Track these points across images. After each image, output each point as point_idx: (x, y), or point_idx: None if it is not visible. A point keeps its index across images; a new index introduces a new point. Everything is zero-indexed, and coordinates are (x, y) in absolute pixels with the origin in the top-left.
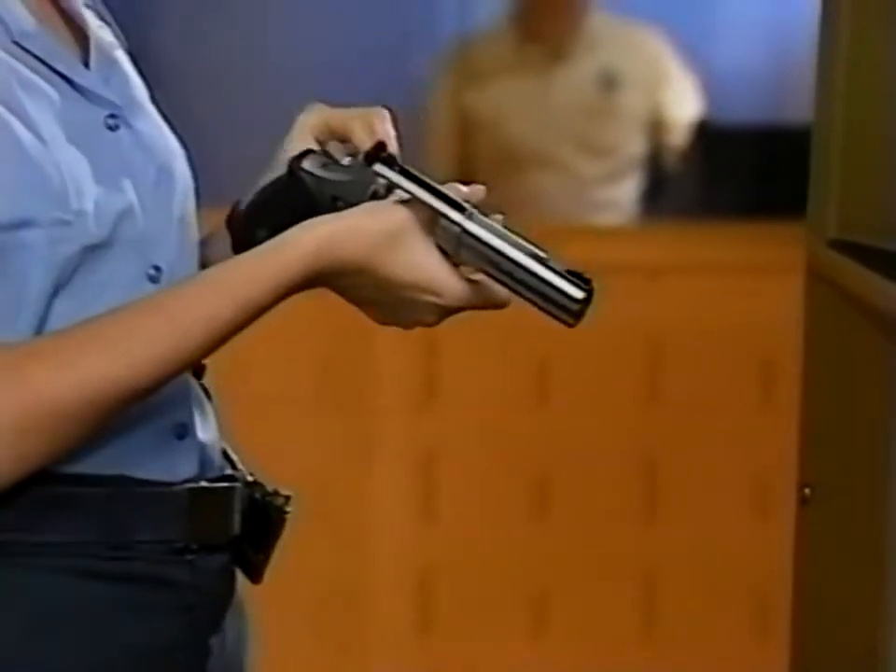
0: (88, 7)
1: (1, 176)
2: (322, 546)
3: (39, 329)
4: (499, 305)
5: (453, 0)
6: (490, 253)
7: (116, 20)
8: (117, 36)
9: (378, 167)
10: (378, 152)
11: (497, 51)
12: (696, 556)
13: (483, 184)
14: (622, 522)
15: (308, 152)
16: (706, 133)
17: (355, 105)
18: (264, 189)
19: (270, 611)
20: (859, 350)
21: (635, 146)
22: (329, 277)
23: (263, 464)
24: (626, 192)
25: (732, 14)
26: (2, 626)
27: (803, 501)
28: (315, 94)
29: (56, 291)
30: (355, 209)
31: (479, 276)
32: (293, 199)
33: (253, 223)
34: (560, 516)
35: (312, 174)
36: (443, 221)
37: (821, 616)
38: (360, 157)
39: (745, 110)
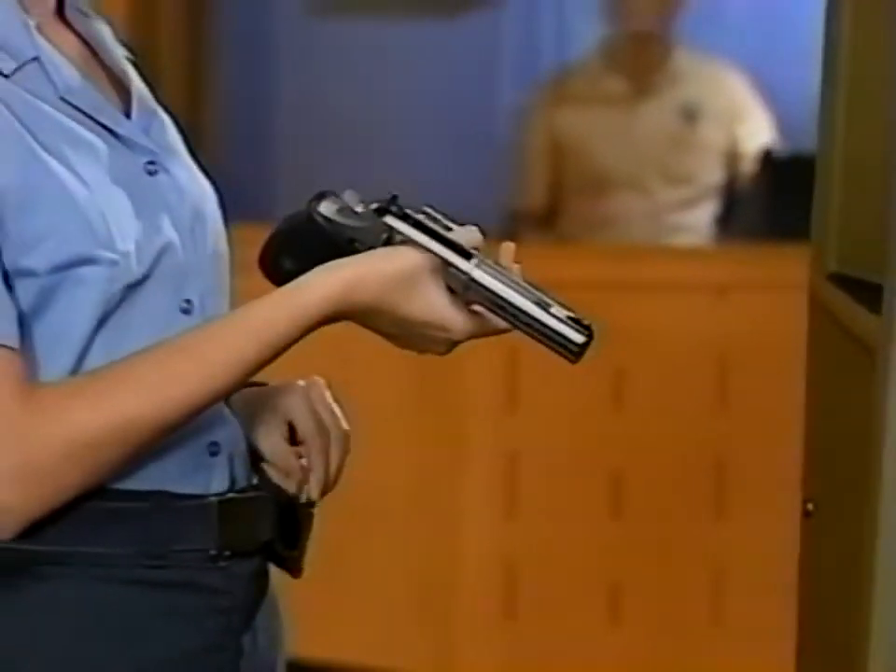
0: (129, 60)
1: (50, 222)
2: (417, 539)
3: (80, 362)
4: (504, 332)
5: (550, 34)
6: (496, 299)
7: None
8: (152, 90)
9: (388, 219)
10: (389, 205)
11: (589, 82)
12: (762, 551)
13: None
14: (691, 518)
15: (323, 195)
16: (776, 161)
17: (456, 130)
18: (287, 221)
19: (370, 598)
20: (852, 376)
21: (711, 174)
22: (349, 316)
23: (365, 464)
24: (702, 216)
25: (802, 49)
26: (49, 632)
27: (806, 514)
28: (418, 121)
29: (98, 327)
30: (372, 252)
31: (482, 309)
32: (313, 236)
33: (278, 252)
34: (633, 513)
35: (328, 218)
36: (452, 269)
37: (823, 617)
38: (372, 206)
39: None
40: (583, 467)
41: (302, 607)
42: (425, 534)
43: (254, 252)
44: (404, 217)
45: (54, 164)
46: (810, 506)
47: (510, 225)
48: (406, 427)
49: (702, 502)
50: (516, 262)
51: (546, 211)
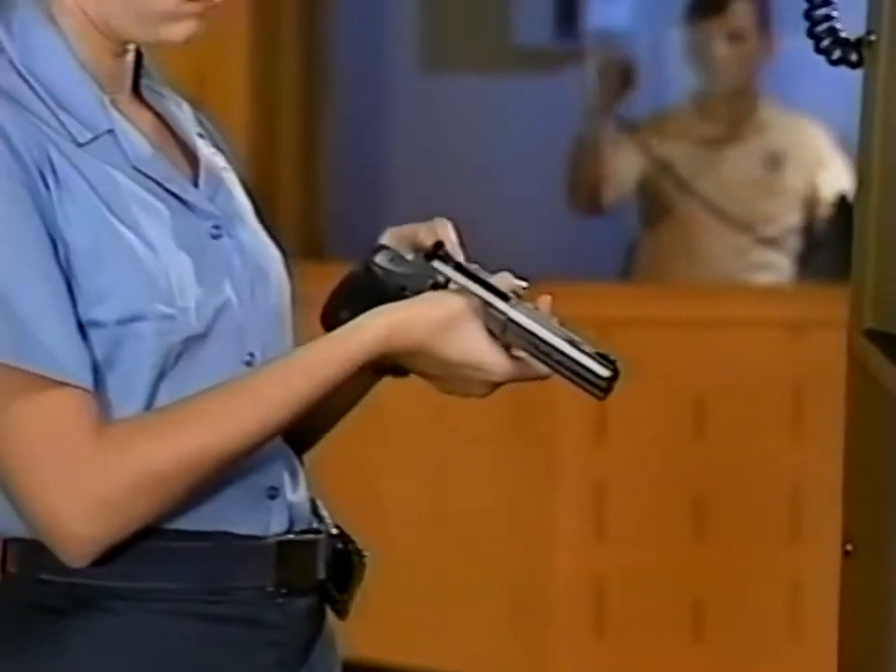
0: (201, 136)
1: (116, 278)
2: (512, 559)
3: (147, 409)
4: (541, 378)
5: (646, 84)
6: (530, 337)
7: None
8: (230, 161)
9: (436, 263)
10: (436, 250)
11: (681, 127)
12: (836, 572)
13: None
14: (769, 541)
15: (380, 248)
16: (852, 207)
17: (554, 176)
18: (346, 278)
19: (468, 614)
20: (886, 428)
21: (792, 217)
22: (395, 357)
23: (463, 490)
24: (781, 256)
25: None
26: (113, 664)
27: (846, 555)
28: (519, 167)
29: (162, 376)
30: (417, 298)
31: (522, 354)
32: (368, 287)
33: (337, 305)
34: (714, 536)
35: (382, 267)
36: (491, 310)
37: (864, 653)
38: (421, 254)
39: None
40: (667, 492)
41: (406, 620)
42: (519, 555)
43: None
44: (449, 262)
45: (123, 227)
46: (849, 547)
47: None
48: (501, 455)
49: (778, 526)
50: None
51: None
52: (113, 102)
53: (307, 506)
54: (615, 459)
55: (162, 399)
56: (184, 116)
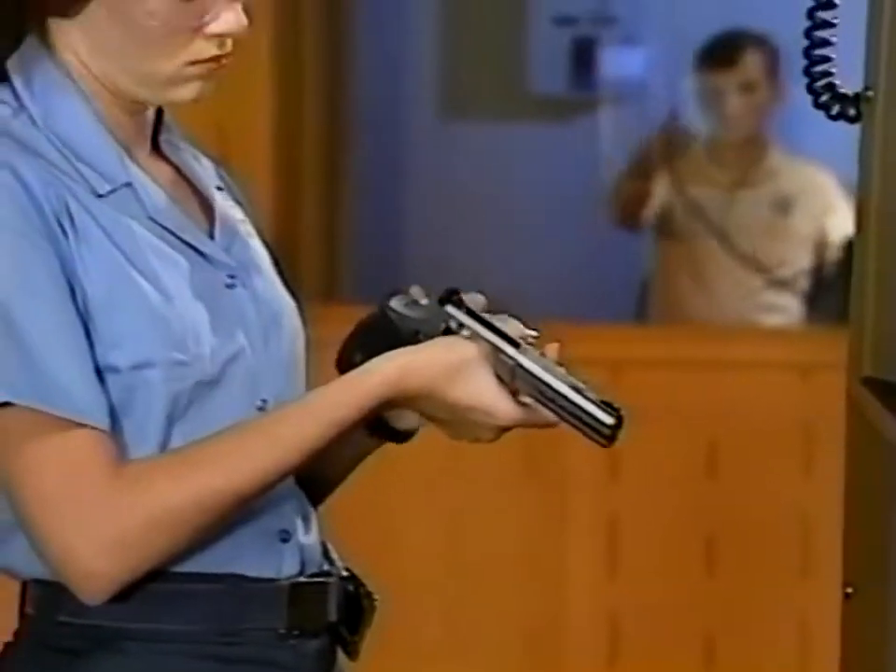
0: (220, 189)
1: (131, 325)
2: (527, 593)
3: (161, 452)
4: (549, 425)
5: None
6: (537, 382)
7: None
8: (248, 214)
9: (449, 308)
10: (450, 295)
11: (692, 172)
12: None
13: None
14: (779, 578)
15: (395, 292)
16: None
17: (567, 211)
18: (361, 321)
19: (485, 650)
20: (884, 474)
21: (801, 261)
22: (405, 401)
23: (478, 530)
24: (790, 298)
25: None
26: None
27: (846, 597)
28: (536, 210)
29: (174, 420)
30: (429, 343)
31: (529, 400)
32: (382, 331)
33: (352, 349)
34: (725, 571)
35: (397, 311)
36: (501, 355)
37: None
38: (435, 299)
39: None
40: (680, 530)
41: (421, 657)
42: (534, 589)
43: None
44: (461, 307)
45: (138, 276)
46: (850, 589)
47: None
48: (514, 495)
49: (788, 563)
50: (556, 342)
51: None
52: (132, 156)
53: (319, 549)
54: (628, 498)
55: (176, 442)
56: (203, 169)
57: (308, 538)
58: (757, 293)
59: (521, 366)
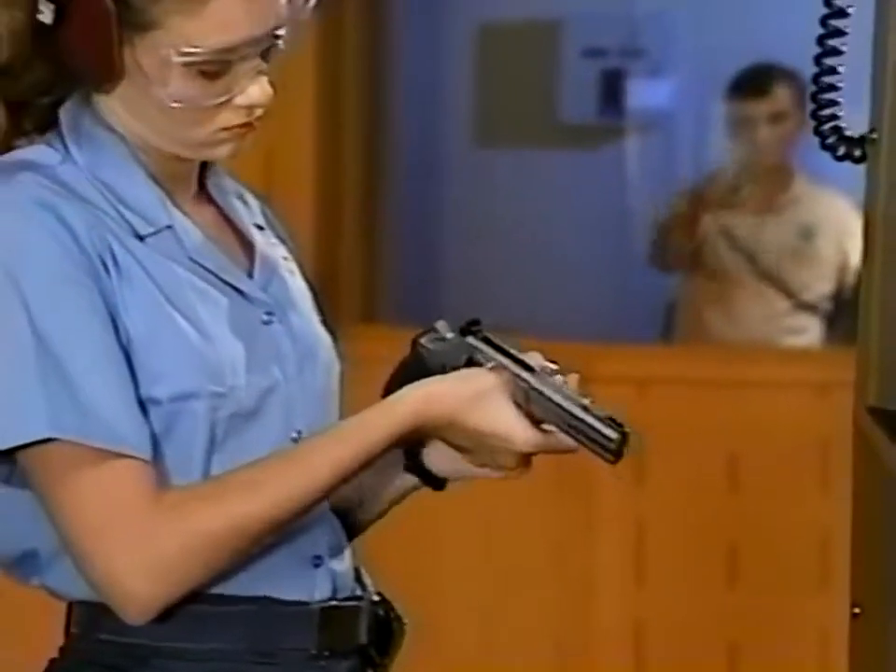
0: (261, 228)
1: (171, 361)
2: (555, 600)
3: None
4: (569, 450)
5: (686, 157)
6: (549, 404)
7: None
8: (290, 251)
9: (469, 339)
10: (470, 327)
11: (720, 200)
12: None
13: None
14: (799, 587)
15: (428, 331)
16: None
17: (595, 235)
18: (400, 362)
19: (515, 657)
20: (890, 502)
21: (825, 285)
22: (430, 429)
23: (509, 539)
24: (812, 320)
25: None
26: None
27: (854, 617)
28: (566, 229)
29: (213, 449)
30: (451, 374)
31: (550, 427)
32: (415, 367)
33: (391, 386)
34: (747, 581)
35: (426, 347)
36: (518, 380)
37: None
38: (458, 332)
39: None
40: (703, 541)
41: (458, 660)
42: (562, 595)
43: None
44: (479, 337)
45: (178, 315)
46: (857, 609)
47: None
48: (545, 507)
49: (807, 574)
50: (575, 372)
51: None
52: (175, 200)
53: (351, 574)
54: (653, 510)
55: (215, 471)
56: (246, 209)
57: (341, 564)
58: (782, 316)
59: (534, 388)
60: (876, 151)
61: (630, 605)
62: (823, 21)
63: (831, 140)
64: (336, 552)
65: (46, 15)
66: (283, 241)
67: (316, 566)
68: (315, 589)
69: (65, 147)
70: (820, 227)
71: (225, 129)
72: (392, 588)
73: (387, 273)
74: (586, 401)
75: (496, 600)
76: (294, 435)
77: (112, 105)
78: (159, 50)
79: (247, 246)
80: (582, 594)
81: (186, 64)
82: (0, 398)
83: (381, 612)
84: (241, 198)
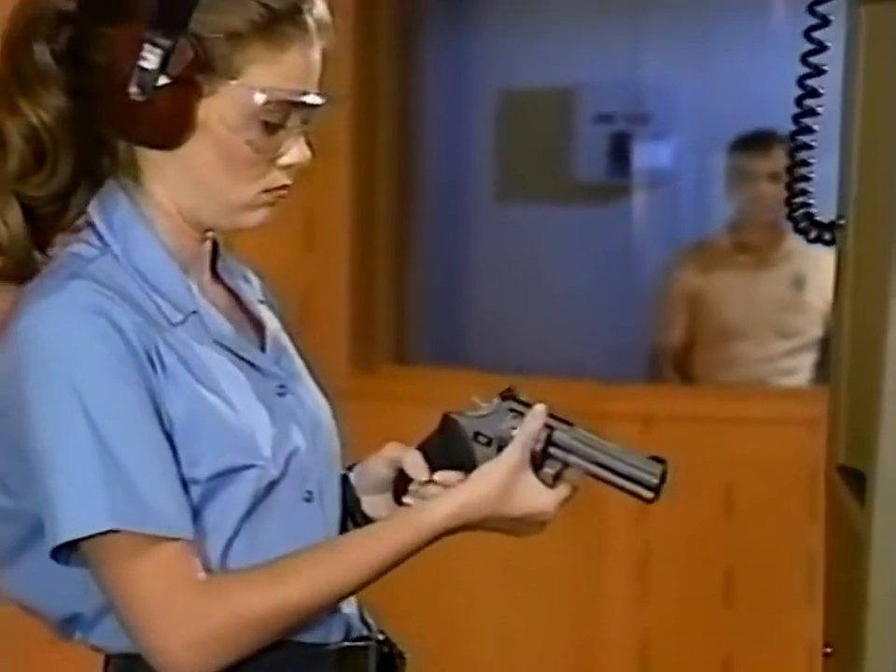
0: (262, 301)
1: (210, 442)
2: (564, 617)
3: (228, 547)
4: (574, 490)
5: (689, 213)
6: (593, 452)
7: None
8: (281, 321)
9: (504, 403)
10: (510, 393)
11: (719, 253)
12: None
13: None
14: (788, 606)
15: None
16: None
17: (605, 284)
18: (430, 435)
19: (532, 666)
20: (855, 556)
21: (815, 330)
22: (468, 527)
23: (524, 558)
24: (804, 362)
25: None
26: None
27: (826, 656)
28: (584, 283)
29: (247, 515)
30: (474, 478)
31: (570, 477)
32: (448, 437)
33: (424, 447)
34: (742, 600)
35: (459, 416)
36: (555, 432)
37: None
38: (497, 399)
39: None
40: (702, 563)
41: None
42: (570, 613)
43: (448, 390)
44: (511, 400)
45: (210, 395)
46: (829, 650)
47: (651, 367)
48: (557, 533)
49: (796, 594)
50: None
51: (680, 355)
52: (196, 284)
53: (357, 615)
54: (657, 535)
55: (240, 539)
56: (250, 287)
57: (350, 607)
58: (777, 359)
59: (577, 438)
60: (844, 235)
61: (636, 621)
62: (796, 119)
63: (803, 225)
64: (349, 598)
65: (150, 62)
66: (275, 313)
67: (333, 611)
68: (331, 633)
69: (101, 238)
70: (811, 278)
71: (267, 190)
72: (412, 614)
73: (417, 318)
74: (619, 450)
75: (510, 618)
76: (306, 496)
77: (165, 171)
78: (239, 96)
79: (255, 323)
80: (592, 611)
81: (264, 104)
82: (66, 492)
83: (385, 650)
84: (244, 277)
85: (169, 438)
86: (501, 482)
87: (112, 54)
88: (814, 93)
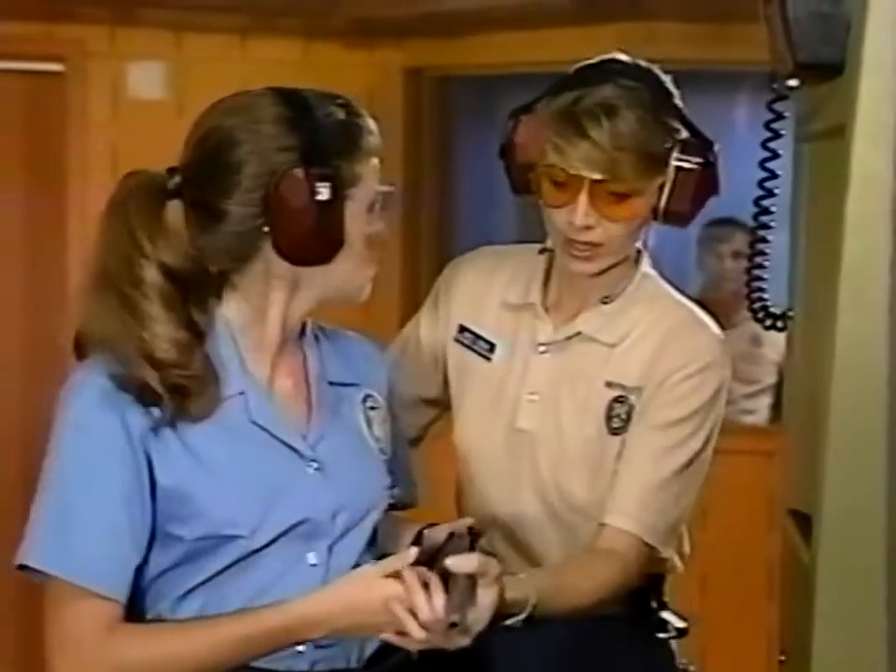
0: (372, 408)
1: (199, 510)
2: None
3: (191, 591)
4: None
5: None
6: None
7: None
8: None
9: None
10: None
11: None
12: None
13: None
14: (752, 602)
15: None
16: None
17: None
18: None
19: None
20: (803, 587)
21: (770, 378)
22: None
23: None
24: (761, 403)
25: None
26: None
27: (780, 663)
28: None
29: (224, 570)
30: (329, 588)
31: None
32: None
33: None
34: (715, 599)
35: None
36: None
37: None
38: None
39: None
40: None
41: None
42: None
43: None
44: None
45: (201, 471)
46: (783, 657)
47: None
48: None
49: (758, 592)
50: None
51: None
52: (253, 359)
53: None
54: None
55: (208, 584)
56: (346, 358)
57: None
58: (739, 401)
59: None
60: (793, 324)
61: None
62: (753, 231)
63: (760, 315)
64: None
65: (324, 193)
66: (379, 390)
67: (297, 642)
68: (296, 664)
69: None
70: (766, 336)
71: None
72: None
73: None
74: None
75: None
76: (313, 562)
77: (298, 274)
78: (365, 196)
79: (309, 404)
80: None
81: (376, 194)
82: (30, 524)
83: None
84: (344, 350)
85: (152, 503)
86: (347, 596)
87: None
88: (773, 176)
